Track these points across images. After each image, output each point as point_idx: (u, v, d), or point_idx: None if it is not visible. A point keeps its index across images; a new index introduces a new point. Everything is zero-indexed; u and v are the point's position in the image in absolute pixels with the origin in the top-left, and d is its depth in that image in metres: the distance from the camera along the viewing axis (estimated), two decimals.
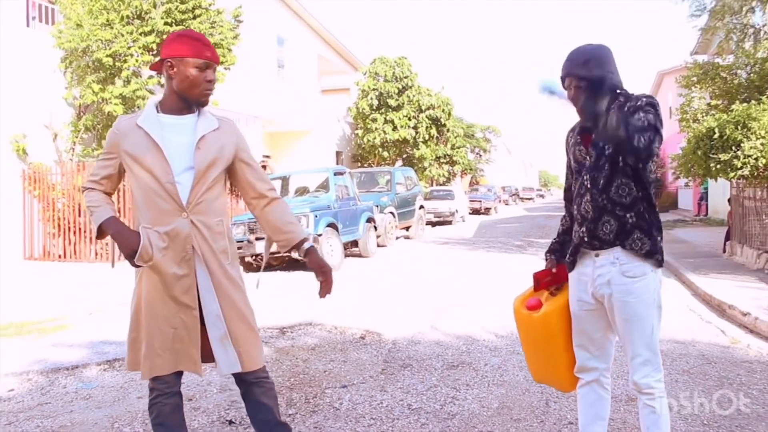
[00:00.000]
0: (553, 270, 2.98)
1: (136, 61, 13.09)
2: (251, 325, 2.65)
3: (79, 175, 13.07)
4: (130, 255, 2.49)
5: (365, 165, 27.91)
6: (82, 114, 13.81)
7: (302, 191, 13.86)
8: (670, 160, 14.25)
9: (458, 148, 32.71)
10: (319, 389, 4.55)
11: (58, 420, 4.07)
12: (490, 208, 35.34)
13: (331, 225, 11.78)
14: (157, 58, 2.67)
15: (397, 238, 17.29)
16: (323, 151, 24.55)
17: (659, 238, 2.69)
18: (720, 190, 19.73)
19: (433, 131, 29.22)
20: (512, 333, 6.15)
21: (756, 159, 9.16)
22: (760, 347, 5.58)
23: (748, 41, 12.81)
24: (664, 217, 20.08)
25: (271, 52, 22.08)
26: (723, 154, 9.37)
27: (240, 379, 2.67)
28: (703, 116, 13.04)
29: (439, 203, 25.93)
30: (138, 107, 13.58)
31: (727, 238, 12.26)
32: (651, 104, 2.56)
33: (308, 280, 2.71)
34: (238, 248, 10.61)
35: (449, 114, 29.67)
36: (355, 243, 13.48)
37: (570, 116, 2.85)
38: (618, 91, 2.70)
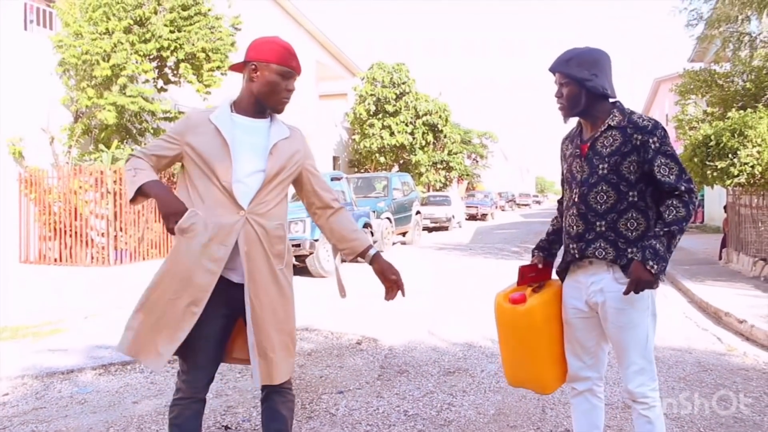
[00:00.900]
0: (539, 266, 2.94)
1: (135, 68, 13.09)
2: (289, 336, 2.63)
3: (75, 179, 13.04)
4: (172, 215, 2.43)
5: (362, 170, 27.96)
6: (78, 118, 13.80)
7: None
8: None
9: (455, 153, 32.79)
10: (316, 395, 4.54)
11: (53, 425, 4.05)
12: (486, 214, 35.39)
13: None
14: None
15: (393, 243, 17.27)
16: (320, 156, 24.56)
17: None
18: (716, 198, 19.80)
19: (430, 137, 29.31)
20: None
21: (752, 167, 9.21)
22: (756, 355, 5.59)
23: (744, 49, 12.86)
24: None
25: None
26: (719, 162, 9.41)
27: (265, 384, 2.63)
28: (699, 124, 13.09)
29: (436, 209, 25.94)
30: (131, 114, 13.61)
31: (723, 245, 12.29)
32: (663, 139, 2.57)
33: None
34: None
35: (446, 120, 29.75)
36: None
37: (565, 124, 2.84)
38: (611, 100, 2.68)
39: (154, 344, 2.49)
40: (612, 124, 2.63)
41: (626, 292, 2.52)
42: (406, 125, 28.04)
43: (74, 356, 5.71)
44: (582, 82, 2.60)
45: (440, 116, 29.20)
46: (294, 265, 10.28)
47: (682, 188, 2.52)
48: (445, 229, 25.72)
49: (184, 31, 13.60)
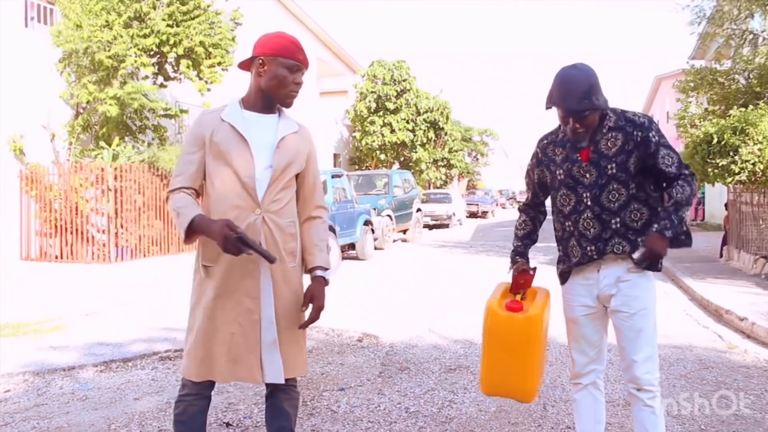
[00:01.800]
0: (531, 272, 2.93)
1: (134, 62, 13.08)
2: (299, 333, 2.63)
3: (76, 176, 13.05)
4: (226, 242, 2.32)
5: (363, 168, 27.95)
6: (79, 114, 13.80)
7: None
8: None
9: (456, 151, 32.80)
10: (317, 392, 4.54)
11: (54, 421, 4.05)
12: (487, 212, 35.40)
13: (328, 228, 11.75)
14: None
15: (394, 241, 17.28)
16: (321, 154, 24.34)
17: None
18: (717, 195, 19.78)
19: (431, 134, 29.29)
20: None
21: (753, 164, 9.21)
22: (757, 352, 5.59)
23: (747, 47, 12.85)
24: None
25: None
26: (721, 160, 9.40)
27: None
28: (700, 122, 13.07)
29: (437, 206, 25.94)
30: (132, 108, 13.59)
31: (724, 242, 12.28)
32: (659, 132, 2.70)
33: (306, 282, 2.66)
34: None
35: (447, 117, 29.73)
36: (352, 246, 13.47)
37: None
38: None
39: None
40: (611, 125, 2.71)
41: (640, 262, 2.64)
42: (407, 122, 28.02)
43: (75, 353, 5.71)
44: (602, 108, 2.66)
45: (441, 113, 29.18)
46: None
47: (685, 173, 2.68)
48: (446, 226, 25.73)
49: (183, 25, 13.58)
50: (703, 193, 23.28)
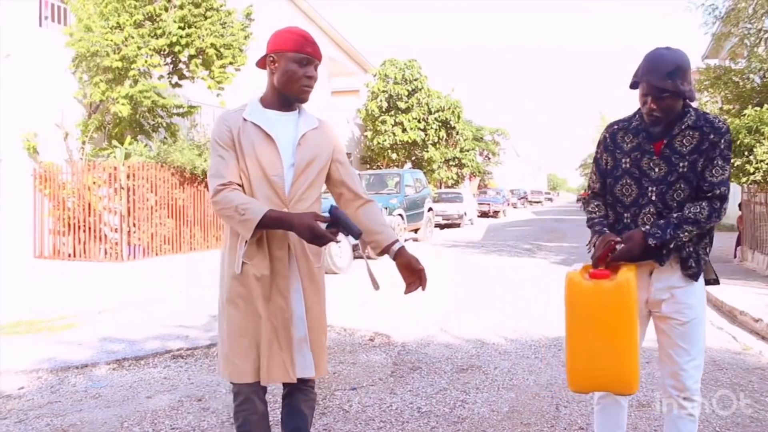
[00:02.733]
0: (609, 240, 2.62)
1: (146, 62, 13.13)
2: (322, 334, 2.62)
3: (89, 175, 13.11)
4: (314, 233, 2.32)
5: (374, 167, 27.96)
6: (92, 113, 13.88)
7: None
8: None
9: (467, 150, 32.73)
10: (329, 391, 4.54)
11: (67, 419, 4.07)
12: (498, 211, 35.33)
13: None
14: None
15: (405, 240, 17.26)
16: None
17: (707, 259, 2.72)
18: (731, 195, 19.60)
19: (443, 134, 29.27)
20: (522, 337, 6.13)
21: None
22: None
23: (762, 46, 12.74)
24: None
25: None
26: (735, 159, 9.32)
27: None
28: None
29: (448, 206, 25.90)
30: (145, 107, 13.64)
31: (738, 243, 12.19)
32: (729, 143, 2.63)
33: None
34: None
35: (458, 117, 29.69)
36: None
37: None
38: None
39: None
40: (690, 124, 2.63)
41: (614, 256, 2.58)
42: (419, 122, 28.01)
43: (88, 351, 5.74)
44: (684, 94, 2.57)
45: (452, 113, 29.14)
46: None
47: (717, 192, 2.58)
48: (457, 226, 25.69)
49: (195, 27, 13.63)
50: None
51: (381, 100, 27.50)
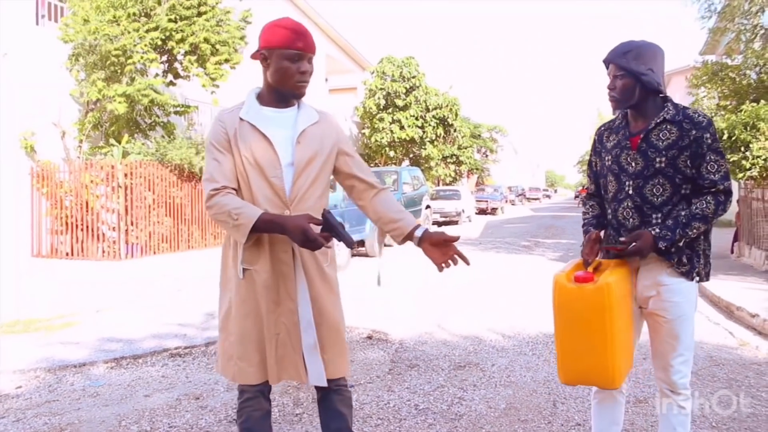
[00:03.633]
0: (596, 240, 2.74)
1: (141, 57, 13.12)
2: (340, 333, 2.56)
3: (86, 173, 13.10)
4: (307, 239, 2.26)
5: (372, 164, 27.94)
6: (89, 111, 13.86)
7: None
8: None
9: (465, 148, 32.75)
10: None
11: (65, 417, 4.08)
12: (496, 208, 35.32)
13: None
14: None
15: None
16: None
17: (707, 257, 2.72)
18: None
19: (440, 131, 29.27)
20: (519, 333, 6.15)
21: (765, 160, 9.14)
22: None
23: (758, 41, 12.75)
24: None
25: None
26: (732, 155, 9.34)
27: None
28: (712, 117, 12.99)
29: (446, 203, 25.92)
30: (142, 106, 13.63)
31: (735, 239, 12.21)
32: (715, 136, 2.62)
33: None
34: None
35: (456, 114, 29.70)
36: (361, 242, 13.46)
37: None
38: (661, 95, 2.69)
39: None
40: (667, 118, 2.63)
41: (620, 249, 2.60)
42: (416, 119, 28.02)
43: (86, 349, 5.74)
44: (638, 75, 2.59)
45: (450, 110, 29.15)
46: None
47: (721, 187, 2.59)
48: (455, 223, 25.70)
49: (187, 21, 13.61)
50: None
51: (379, 98, 27.50)
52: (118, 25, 12.92)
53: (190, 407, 4.23)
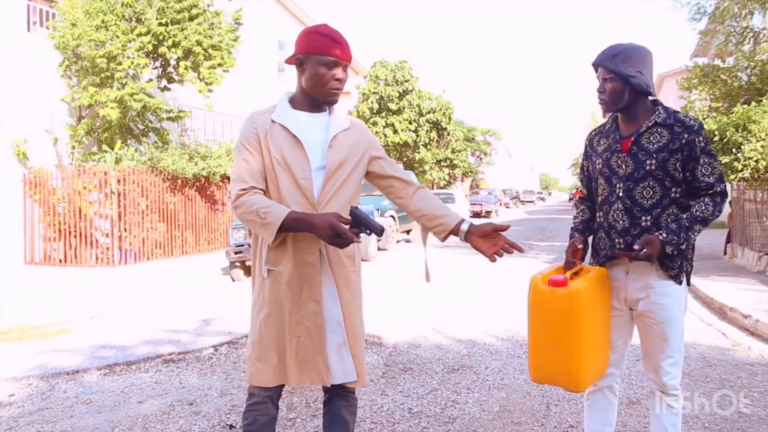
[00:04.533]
0: (579, 246, 2.80)
1: (132, 63, 13.10)
2: (361, 339, 2.57)
3: (79, 180, 13.08)
4: (336, 234, 2.25)
5: None
6: (81, 117, 13.84)
7: None
8: None
9: (459, 151, 32.79)
10: (320, 393, 4.53)
11: (58, 425, 4.06)
12: (490, 212, 35.37)
13: None
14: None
15: (398, 241, 17.28)
16: None
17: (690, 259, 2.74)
18: None
19: (434, 135, 29.32)
20: (513, 336, 6.15)
21: (756, 161, 9.18)
22: (761, 350, 5.58)
23: (748, 44, 12.81)
24: None
25: (271, 56, 22.14)
26: (724, 157, 9.37)
27: (329, 386, 2.53)
28: (704, 119, 13.04)
29: None
30: (135, 111, 13.62)
31: (728, 240, 12.26)
32: (707, 139, 2.65)
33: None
34: (238, 252, 10.66)
35: (450, 118, 29.75)
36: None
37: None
38: (651, 98, 2.71)
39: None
40: (658, 121, 2.66)
41: (633, 255, 2.60)
42: (410, 123, 28.05)
43: (79, 356, 5.72)
44: (627, 78, 2.61)
45: (443, 114, 29.21)
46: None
47: (718, 189, 2.63)
48: None
49: (180, 25, 13.60)
50: None
51: (372, 102, 27.53)
52: (107, 29, 12.89)
53: (183, 413, 4.22)
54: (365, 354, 2.76)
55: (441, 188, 32.15)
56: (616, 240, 2.72)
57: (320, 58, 2.39)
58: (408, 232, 18.45)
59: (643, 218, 2.66)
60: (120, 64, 12.90)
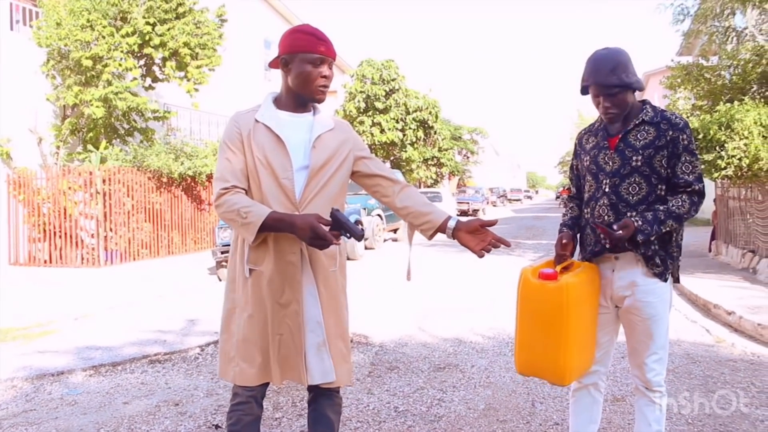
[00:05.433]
0: (565, 241, 2.83)
1: (119, 64, 13.02)
2: (345, 340, 2.55)
3: (64, 180, 12.98)
4: (315, 236, 2.24)
5: None
6: (66, 117, 13.74)
7: None
8: None
9: (446, 150, 32.83)
10: (306, 392, 4.53)
11: (43, 427, 4.04)
12: (477, 210, 35.39)
13: None
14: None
15: (384, 240, 17.29)
16: None
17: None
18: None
19: (421, 133, 29.33)
20: (499, 335, 6.18)
21: (739, 159, 9.25)
22: (744, 346, 5.64)
23: (731, 43, 12.91)
24: None
25: (258, 55, 22.06)
26: (707, 155, 9.45)
27: (313, 385, 2.52)
28: (688, 117, 13.13)
29: None
30: (120, 111, 13.52)
31: (713, 237, 12.36)
32: (691, 138, 2.69)
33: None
34: (225, 252, 10.63)
35: (436, 116, 29.78)
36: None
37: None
38: (640, 100, 2.77)
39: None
40: (645, 119, 2.71)
41: (611, 241, 2.64)
42: (397, 122, 28.05)
43: (64, 358, 5.69)
44: (631, 86, 2.66)
45: (430, 113, 29.22)
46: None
47: (696, 188, 2.67)
48: None
49: (167, 25, 13.53)
50: None
51: (359, 101, 27.51)
52: (93, 29, 12.80)
53: (169, 414, 4.21)
54: (351, 353, 2.76)
55: (428, 187, 32.15)
56: (602, 235, 2.75)
57: (306, 56, 2.40)
58: (395, 230, 18.46)
59: (629, 214, 2.69)
60: (106, 66, 12.81)
